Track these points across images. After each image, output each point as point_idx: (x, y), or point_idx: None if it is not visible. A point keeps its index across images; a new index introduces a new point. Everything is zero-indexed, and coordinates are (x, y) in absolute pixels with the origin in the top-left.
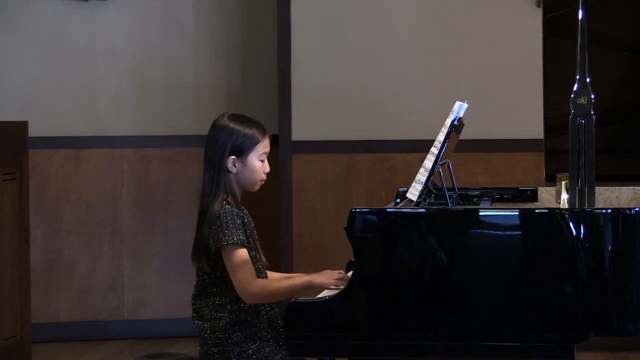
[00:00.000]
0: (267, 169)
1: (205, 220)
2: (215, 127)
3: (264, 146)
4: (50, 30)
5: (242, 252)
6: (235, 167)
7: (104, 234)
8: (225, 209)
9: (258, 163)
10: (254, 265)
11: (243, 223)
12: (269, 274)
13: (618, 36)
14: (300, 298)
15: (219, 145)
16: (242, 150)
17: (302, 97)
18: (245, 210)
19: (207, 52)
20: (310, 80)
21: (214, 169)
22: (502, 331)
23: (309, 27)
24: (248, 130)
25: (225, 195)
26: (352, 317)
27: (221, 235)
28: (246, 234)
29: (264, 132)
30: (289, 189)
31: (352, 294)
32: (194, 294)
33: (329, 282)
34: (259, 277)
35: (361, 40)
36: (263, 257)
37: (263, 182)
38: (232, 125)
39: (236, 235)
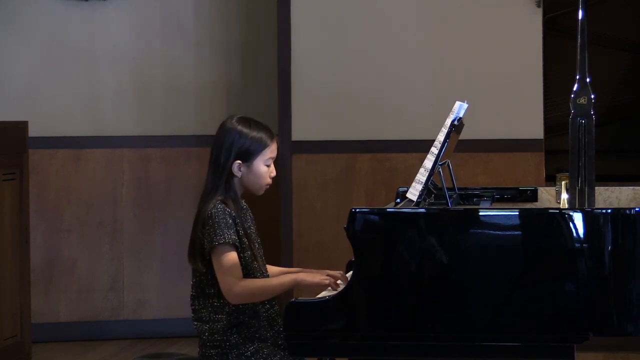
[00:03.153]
0: (273, 174)
1: (200, 219)
2: (223, 129)
3: (271, 151)
4: (50, 30)
5: (231, 253)
6: (240, 171)
7: (104, 234)
8: (217, 208)
9: (263, 168)
10: (249, 267)
11: (234, 223)
12: (269, 267)
13: (618, 36)
14: (300, 298)
15: (225, 147)
16: (248, 155)
17: (302, 97)
18: (245, 206)
19: (207, 52)
20: (310, 80)
21: (218, 171)
22: (502, 331)
23: (309, 27)
24: (256, 134)
25: (222, 197)
26: (352, 317)
27: (213, 235)
28: (239, 234)
29: (271, 136)
30: (289, 189)
31: (352, 294)
32: (192, 294)
33: (315, 280)
34: (255, 276)
35: (361, 40)
36: (259, 259)
37: (268, 187)
38: (239, 128)
39: (227, 234)
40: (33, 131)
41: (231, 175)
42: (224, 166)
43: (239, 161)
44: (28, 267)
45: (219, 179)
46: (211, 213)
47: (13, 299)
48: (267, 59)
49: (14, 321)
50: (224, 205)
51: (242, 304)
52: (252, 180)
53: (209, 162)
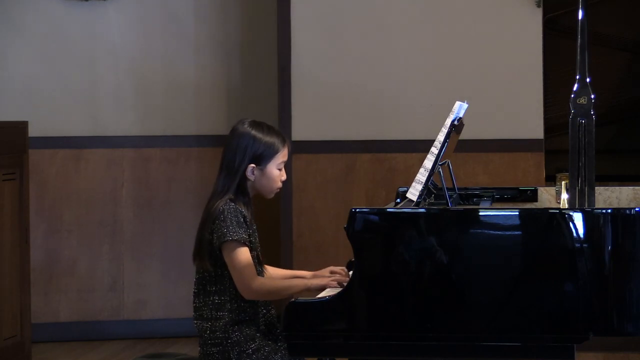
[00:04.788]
0: (284, 177)
1: (209, 216)
2: (236, 133)
3: (283, 155)
4: (50, 30)
5: (244, 250)
6: (253, 174)
7: (104, 234)
8: (229, 206)
9: (276, 172)
10: (256, 267)
11: (246, 223)
12: (273, 270)
13: (618, 36)
14: (300, 298)
15: (240, 152)
16: (262, 159)
17: (302, 97)
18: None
19: (207, 52)
20: (311, 80)
21: (230, 175)
22: (502, 331)
23: (309, 26)
24: (269, 139)
25: (232, 197)
26: (351, 317)
27: (225, 231)
28: (248, 233)
29: (283, 141)
30: (289, 189)
31: (352, 294)
32: (194, 292)
33: (324, 283)
34: None
35: (361, 40)
36: (261, 261)
37: (279, 190)
38: (253, 132)
39: (239, 232)
40: (33, 131)
41: (244, 178)
42: (237, 170)
43: (252, 165)
44: (28, 267)
45: (231, 181)
46: (223, 209)
47: (13, 299)
48: (267, 59)
49: (14, 321)
50: (234, 204)
51: (257, 300)
52: (264, 183)
53: (221, 165)
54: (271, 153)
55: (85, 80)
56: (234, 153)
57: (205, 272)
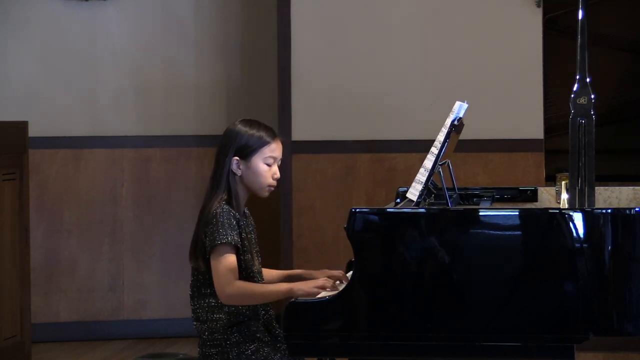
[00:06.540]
0: (277, 175)
1: (203, 218)
2: (226, 130)
3: (270, 150)
4: (50, 30)
5: (230, 255)
6: (239, 169)
7: (104, 234)
8: (222, 208)
9: (263, 166)
10: (248, 269)
11: (238, 225)
12: (267, 271)
13: (618, 36)
14: (300, 298)
15: (225, 145)
16: (246, 152)
17: (302, 97)
18: (247, 213)
19: (207, 52)
20: (310, 80)
21: (218, 170)
22: (502, 331)
23: (309, 27)
24: (255, 132)
25: (224, 195)
26: (351, 317)
27: (216, 234)
28: (241, 236)
29: (272, 136)
30: (289, 189)
31: (352, 294)
32: (190, 294)
33: (309, 290)
34: (254, 280)
35: (361, 40)
36: (257, 262)
37: (272, 189)
38: (239, 127)
39: (230, 235)
40: (33, 131)
41: (231, 173)
42: (222, 164)
43: (237, 158)
44: (28, 267)
45: (219, 177)
46: (216, 212)
47: (13, 299)
48: (267, 59)
49: (14, 321)
50: (229, 206)
51: (233, 305)
52: (251, 178)
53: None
54: (256, 146)
55: (85, 80)
56: (221, 149)
57: (200, 275)
